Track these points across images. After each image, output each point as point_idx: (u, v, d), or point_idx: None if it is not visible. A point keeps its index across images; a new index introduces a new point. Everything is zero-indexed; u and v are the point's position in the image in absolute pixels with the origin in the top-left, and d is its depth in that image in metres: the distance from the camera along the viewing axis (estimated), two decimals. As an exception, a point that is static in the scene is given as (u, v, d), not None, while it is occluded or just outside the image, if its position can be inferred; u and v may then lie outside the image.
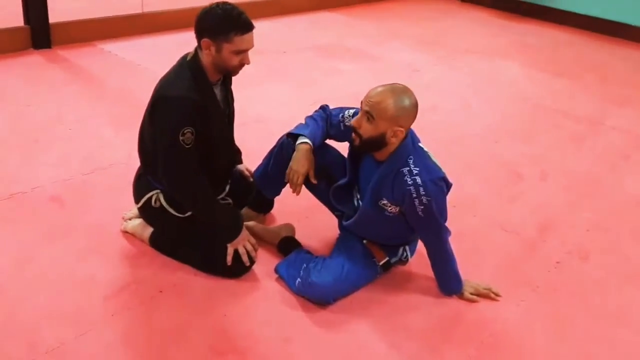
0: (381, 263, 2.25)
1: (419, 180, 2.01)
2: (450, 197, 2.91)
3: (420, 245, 2.34)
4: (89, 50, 4.48)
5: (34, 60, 4.17)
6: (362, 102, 2.05)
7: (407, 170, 2.02)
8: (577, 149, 3.69)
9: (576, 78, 5.03)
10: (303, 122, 2.28)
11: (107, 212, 2.54)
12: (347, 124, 2.19)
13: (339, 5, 6.71)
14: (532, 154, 3.57)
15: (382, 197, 2.09)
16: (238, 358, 1.92)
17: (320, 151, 2.25)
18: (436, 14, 7.05)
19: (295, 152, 2.17)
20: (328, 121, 2.26)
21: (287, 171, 2.18)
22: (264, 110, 3.68)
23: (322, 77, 4.50)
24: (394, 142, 2.02)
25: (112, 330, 1.97)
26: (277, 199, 2.62)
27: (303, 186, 2.21)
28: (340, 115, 2.23)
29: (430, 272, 2.30)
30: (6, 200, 2.58)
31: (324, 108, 2.30)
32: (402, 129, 2.00)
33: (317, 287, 2.11)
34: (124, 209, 2.48)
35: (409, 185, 2.01)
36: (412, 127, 2.13)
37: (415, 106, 2.03)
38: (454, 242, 2.24)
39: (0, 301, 2.03)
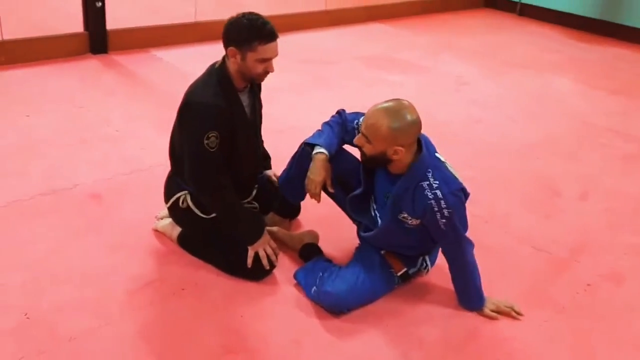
0: (399, 274, 2.25)
1: (439, 193, 2.01)
2: (482, 212, 2.92)
3: (441, 257, 2.32)
4: (143, 57, 4.67)
5: (91, 64, 4.38)
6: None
7: (427, 184, 2.02)
8: (624, 170, 3.57)
9: (634, 97, 4.86)
10: (320, 128, 2.31)
11: (142, 211, 2.64)
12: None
13: (390, 16, 6.73)
14: (574, 172, 3.47)
15: (402, 210, 2.10)
16: (248, 357, 1.96)
17: (337, 159, 2.28)
18: (492, 27, 6.97)
19: (312, 162, 2.22)
20: (343, 127, 2.29)
21: (306, 181, 2.23)
22: (304, 119, 3.73)
23: (366, 87, 4.52)
24: (397, 158, 2.03)
25: (132, 323, 2.05)
26: (304, 206, 2.66)
27: (324, 194, 2.24)
28: (355, 122, 2.25)
29: (450, 285, 2.28)
30: (49, 195, 2.73)
31: (340, 113, 2.33)
32: (401, 147, 2.00)
33: (331, 296, 2.13)
34: (158, 209, 2.57)
35: (430, 199, 2.01)
36: (438, 138, 2.13)
37: (412, 123, 2.00)
38: (481, 257, 2.22)
39: (30, 288, 2.15)
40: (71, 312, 2.07)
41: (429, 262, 2.32)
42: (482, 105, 4.40)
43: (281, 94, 4.07)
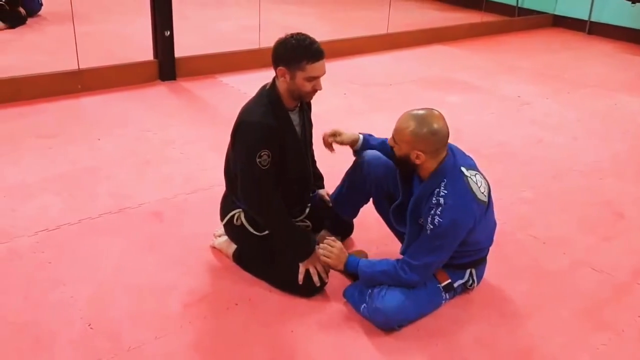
0: (443, 284, 2.24)
1: (442, 201, 2.06)
2: (540, 233, 2.87)
3: (488, 273, 2.29)
4: (209, 82, 4.87)
5: (159, 90, 4.62)
6: None
7: (437, 192, 2.09)
8: (695, 191, 3.40)
9: None
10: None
11: (201, 229, 2.75)
12: None
13: (452, 39, 6.72)
14: (639, 194, 3.34)
15: (420, 215, 2.15)
16: (296, 373, 2.01)
17: (386, 174, 2.35)
18: (558, 47, 6.83)
19: None
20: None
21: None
22: (361, 140, 3.78)
23: (425, 109, 4.52)
24: (419, 163, 2.11)
25: (187, 335, 2.13)
26: (358, 226, 2.70)
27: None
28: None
29: (499, 306, 2.24)
30: (116, 214, 2.89)
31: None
32: (421, 153, 2.08)
33: (381, 312, 2.14)
34: (216, 226, 2.67)
35: (433, 203, 2.07)
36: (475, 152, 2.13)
37: (433, 133, 2.07)
38: (537, 278, 2.19)
39: (94, 301, 2.28)
40: (131, 323, 2.18)
41: (475, 278, 2.30)
42: (543, 125, 4.31)
43: (340, 116, 4.14)
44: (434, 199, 2.07)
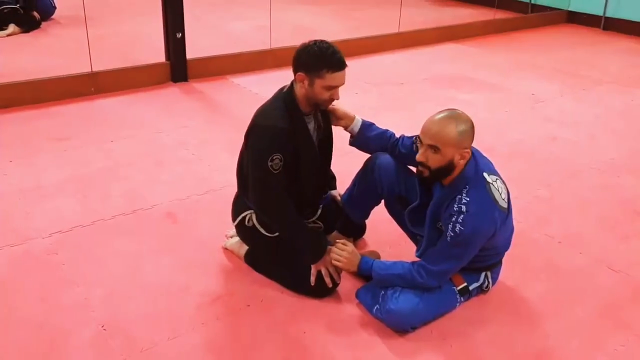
0: (459, 288, 2.22)
1: (464, 209, 2.02)
2: (555, 232, 2.83)
3: (503, 275, 2.27)
4: (221, 83, 4.88)
5: (172, 92, 4.63)
6: (419, 136, 2.09)
7: (459, 198, 2.05)
8: None
9: None
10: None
11: (213, 230, 2.75)
12: (418, 144, 2.23)
13: (464, 36, 6.67)
14: (658, 191, 3.29)
15: (439, 219, 2.12)
16: (309, 374, 1.99)
17: (399, 175, 2.32)
18: (573, 43, 6.75)
19: None
20: (400, 141, 2.35)
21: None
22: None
23: (438, 107, 4.41)
24: (462, 163, 2.06)
25: (199, 337, 2.13)
26: (370, 227, 2.69)
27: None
28: (414, 137, 2.28)
29: (515, 307, 2.22)
30: (130, 215, 2.90)
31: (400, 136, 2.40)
32: (467, 149, 2.05)
33: (394, 314, 2.12)
34: (228, 227, 2.67)
35: (455, 211, 2.03)
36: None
37: (472, 126, 2.07)
38: (553, 278, 2.15)
39: (108, 302, 2.29)
40: (145, 324, 2.18)
41: (490, 280, 2.27)
42: (559, 123, 4.26)
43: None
44: (455, 205, 2.03)
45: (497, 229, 2.07)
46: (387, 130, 2.41)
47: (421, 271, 2.10)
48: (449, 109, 2.10)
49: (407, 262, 2.17)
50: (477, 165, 2.10)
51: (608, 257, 2.67)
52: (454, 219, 2.01)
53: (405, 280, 2.13)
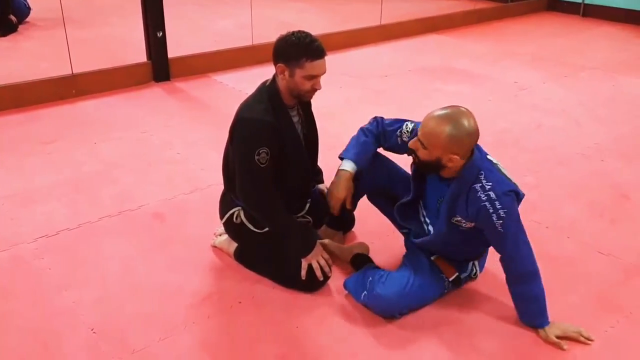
0: (451, 279, 2.22)
1: (492, 195, 1.97)
2: (544, 218, 2.84)
3: (490, 262, 2.26)
4: (203, 81, 4.84)
5: (154, 92, 4.59)
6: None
7: (480, 187, 1.99)
8: (698, 169, 3.38)
9: None
10: (356, 134, 2.34)
11: (201, 228, 2.73)
12: (404, 139, 2.21)
13: (447, 27, 6.68)
14: (643, 174, 3.32)
15: (455, 214, 2.08)
16: (303, 369, 1.99)
17: (382, 169, 2.30)
18: (554, 31, 6.79)
19: (335, 177, 2.27)
20: (382, 136, 2.29)
21: (327, 193, 2.31)
22: (359, 133, 3.76)
23: (423, 98, 4.50)
24: (451, 166, 2.00)
25: (191, 336, 2.11)
26: (359, 219, 2.68)
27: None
28: (398, 130, 2.24)
29: (503, 293, 2.21)
30: (116, 217, 2.86)
31: (377, 121, 2.32)
32: (456, 156, 1.97)
33: (382, 299, 2.12)
34: (217, 225, 2.65)
35: (484, 201, 1.97)
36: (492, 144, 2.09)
37: (471, 133, 1.97)
38: (543, 264, 2.11)
39: (97, 305, 2.26)
40: (136, 325, 2.16)
41: (478, 268, 2.28)
42: (543, 110, 4.28)
43: (337, 109, 4.12)
44: (482, 195, 1.97)
45: (521, 199, 2.06)
46: (365, 141, 2.29)
47: (524, 276, 2.05)
48: (454, 107, 2.01)
49: (515, 286, 2.11)
50: (480, 151, 2.07)
51: (597, 241, 2.68)
52: (490, 210, 1.96)
53: (542, 297, 2.08)
